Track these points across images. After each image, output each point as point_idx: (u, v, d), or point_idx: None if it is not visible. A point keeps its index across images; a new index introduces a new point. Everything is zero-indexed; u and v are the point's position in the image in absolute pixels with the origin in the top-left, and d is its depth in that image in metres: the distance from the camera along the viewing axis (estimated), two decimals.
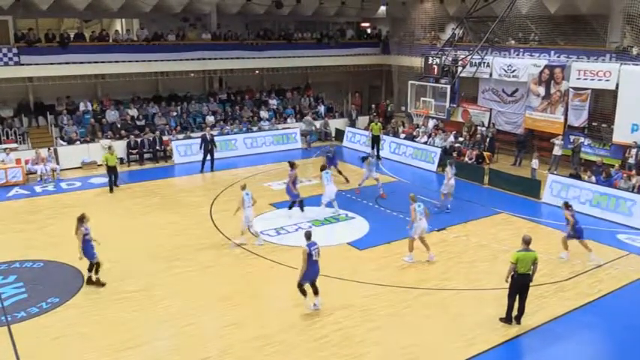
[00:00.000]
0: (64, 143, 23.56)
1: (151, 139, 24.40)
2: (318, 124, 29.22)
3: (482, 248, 14.70)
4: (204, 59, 27.17)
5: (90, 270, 12.40)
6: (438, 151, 23.25)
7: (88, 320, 10.93)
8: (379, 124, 25.35)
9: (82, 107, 25.53)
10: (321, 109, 30.34)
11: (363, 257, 14.14)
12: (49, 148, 22.58)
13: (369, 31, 34.92)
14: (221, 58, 27.66)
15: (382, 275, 12.91)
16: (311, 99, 31.27)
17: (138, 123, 25.69)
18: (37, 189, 20.30)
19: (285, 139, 27.32)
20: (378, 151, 24.32)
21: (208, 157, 22.68)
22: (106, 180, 20.48)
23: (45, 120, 24.91)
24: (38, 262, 13.61)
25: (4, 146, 22.30)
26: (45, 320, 10.94)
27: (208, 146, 22.58)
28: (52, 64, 23.79)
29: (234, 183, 20.60)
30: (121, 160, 23.74)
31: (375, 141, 24.73)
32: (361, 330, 10.62)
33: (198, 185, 21.12)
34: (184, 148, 24.46)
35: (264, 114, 28.71)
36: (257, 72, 30.29)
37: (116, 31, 28.22)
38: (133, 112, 26.21)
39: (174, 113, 27.03)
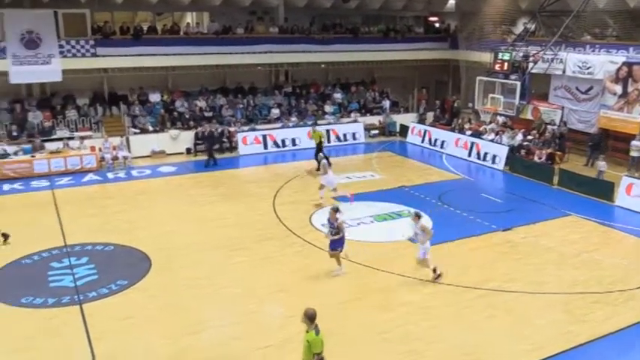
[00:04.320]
0: (136, 132, 24.44)
1: (219, 130, 24.95)
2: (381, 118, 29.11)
3: (549, 251, 14.19)
4: (271, 52, 27.41)
5: None
6: (506, 149, 22.62)
7: (154, 303, 11.29)
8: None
9: (152, 98, 26.37)
10: (386, 103, 30.09)
11: None
12: (121, 137, 23.51)
13: (437, 25, 34.31)
14: (287, 52, 27.82)
15: (444, 273, 12.69)
16: (376, 93, 31.07)
17: (205, 114, 26.30)
18: (110, 175, 21.16)
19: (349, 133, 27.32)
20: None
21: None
22: (173, 169, 21.16)
23: (118, 109, 25.86)
24: (109, 245, 14.18)
25: (79, 134, 23.37)
26: (113, 301, 11.39)
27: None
28: (125, 55, 24.60)
29: (297, 176, 20.78)
30: (188, 150, 24.45)
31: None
32: (421, 327, 10.50)
33: (262, 177, 21.41)
34: (249, 140, 24.88)
35: (328, 108, 28.77)
36: (322, 66, 30.34)
37: (187, 24, 28.95)
38: (202, 103, 26.84)
39: (241, 105, 27.50)
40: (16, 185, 19.87)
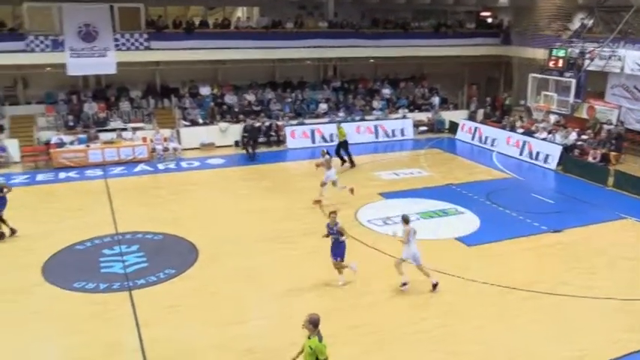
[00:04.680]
0: (186, 124, 24.91)
1: (267, 123, 25.18)
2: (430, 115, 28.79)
3: (601, 254, 13.72)
4: (320, 47, 27.43)
5: None
6: (559, 148, 22.00)
7: (200, 292, 11.51)
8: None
9: (203, 91, 26.83)
10: (435, 100, 29.72)
11: (471, 254, 13.73)
12: (172, 129, 24.02)
13: (489, 20, 33.60)
14: (336, 47, 27.77)
15: (490, 273, 12.46)
16: (425, 90, 30.72)
17: (254, 108, 26.58)
18: (160, 166, 21.67)
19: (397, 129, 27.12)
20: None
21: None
22: (222, 161, 21.51)
23: (169, 102, 26.42)
24: (158, 234, 14.52)
25: (132, 125, 24.02)
26: (161, 289, 11.66)
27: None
28: (177, 49, 25.09)
29: (345, 170, 20.78)
30: (237, 142, 24.78)
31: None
32: (465, 328, 10.34)
33: (309, 171, 21.43)
34: (297, 134, 25.01)
35: (376, 103, 28.62)
36: (371, 61, 30.17)
37: (238, 18, 29.27)
38: (251, 97, 27.14)
39: (289, 99, 27.67)
40: (72, 174, 20.59)
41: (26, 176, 20.51)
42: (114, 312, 10.74)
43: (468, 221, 15.79)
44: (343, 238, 11.78)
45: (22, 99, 25.21)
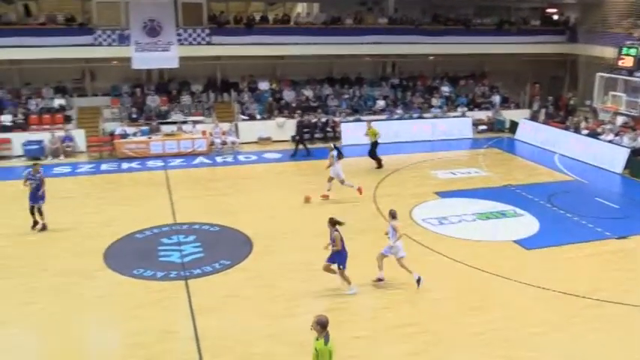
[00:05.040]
0: (245, 118, 25.28)
1: (323, 119, 25.25)
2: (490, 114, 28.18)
3: None
4: (379, 43, 27.27)
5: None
6: (626, 151, 21.08)
7: (254, 284, 11.66)
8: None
9: (261, 86, 27.15)
10: (496, 99, 29.03)
11: (530, 257, 13.35)
12: (230, 123, 24.43)
13: (555, 17, 32.52)
14: (396, 43, 27.54)
15: (549, 278, 12.08)
16: (486, 88, 30.06)
17: (312, 104, 26.69)
18: (218, 159, 22.08)
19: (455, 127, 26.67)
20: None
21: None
22: (278, 156, 21.73)
23: (229, 96, 26.88)
24: (215, 226, 14.80)
25: (192, 118, 24.57)
26: (216, 279, 11.89)
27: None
28: (238, 44, 25.46)
29: (400, 168, 20.63)
30: (293, 138, 24.91)
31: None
32: (519, 333, 10.07)
33: (364, 167, 21.38)
34: (353, 130, 24.95)
35: (435, 101, 28.22)
36: (431, 58, 29.78)
37: (298, 13, 29.44)
38: (308, 92, 27.26)
39: (346, 96, 27.64)
40: (134, 164, 21.27)
41: (91, 165, 21.33)
42: (170, 300, 11.03)
43: (527, 224, 15.36)
44: (334, 248, 11.15)
45: (90, 91, 26.22)
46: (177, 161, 21.75)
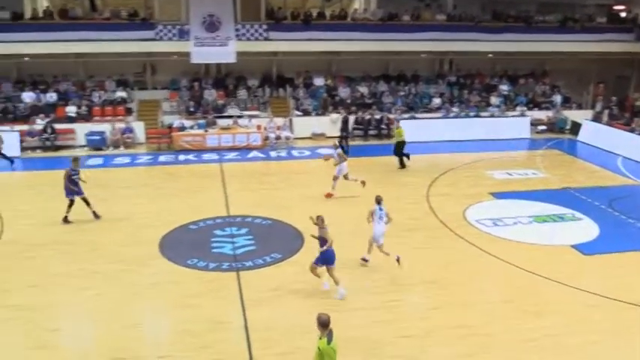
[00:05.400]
0: (299, 114, 25.42)
1: (378, 116, 25.11)
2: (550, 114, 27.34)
3: None
4: (436, 40, 26.87)
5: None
6: None
7: (303, 279, 11.67)
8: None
9: (317, 82, 27.22)
10: (557, 98, 28.14)
11: (588, 263, 12.87)
12: (285, 118, 24.61)
13: (622, 14, 31.19)
14: (454, 40, 27.08)
15: (608, 286, 11.61)
16: (546, 87, 29.18)
17: (366, 100, 26.58)
18: (272, 154, 22.29)
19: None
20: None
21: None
22: (331, 151, 21.60)
23: (284, 91, 27.08)
24: (267, 219, 14.94)
25: (248, 113, 24.90)
26: (267, 272, 12.00)
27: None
28: (294, 40, 25.62)
29: (456, 167, 20.30)
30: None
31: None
32: (575, 340, 9.71)
33: (417, 165, 21.13)
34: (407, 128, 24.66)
35: (494, 100, 27.60)
36: (490, 55, 29.11)
37: (355, 9, 29.34)
38: (363, 89, 27.16)
39: (402, 93, 27.39)
40: (190, 156, 21.73)
41: (150, 157, 21.93)
42: (221, 291, 11.20)
43: (586, 228, 14.81)
44: (325, 247, 10.89)
45: (150, 84, 26.96)
46: (232, 155, 22.09)
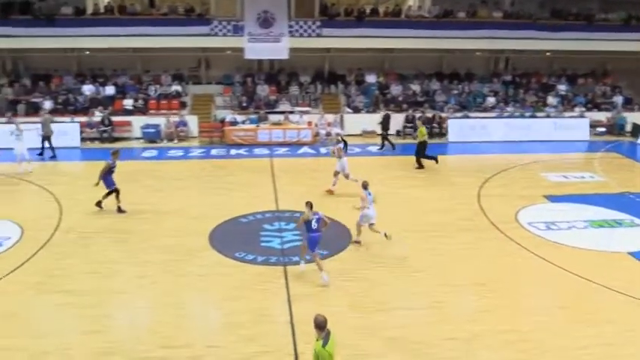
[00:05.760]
0: (350, 111, 25.38)
1: (429, 114, 24.82)
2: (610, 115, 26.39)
3: None
4: (492, 38, 26.31)
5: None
6: None
7: (349, 276, 11.68)
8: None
9: (368, 79, 27.13)
10: (618, 99, 27.12)
11: None
12: (335, 114, 24.62)
13: None
14: (511, 38, 26.43)
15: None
16: (607, 88, 28.17)
17: (419, 98, 26.31)
18: (322, 150, 22.35)
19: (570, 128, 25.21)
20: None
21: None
22: (381, 150, 21.68)
23: (336, 88, 27.09)
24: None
25: (299, 109, 25.05)
26: (314, 268, 11.96)
27: None
28: (347, 37, 25.57)
29: (509, 168, 19.87)
30: (398, 132, 24.76)
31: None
32: (629, 351, 9.34)
33: (469, 165, 20.81)
34: (460, 127, 24.34)
35: (551, 100, 26.83)
36: (548, 54, 28.32)
37: (409, 6, 29.06)
38: (416, 87, 26.89)
39: (455, 91, 26.97)
40: (242, 151, 22.07)
41: (202, 150, 22.36)
42: (268, 284, 11.30)
43: None
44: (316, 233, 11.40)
45: (204, 79, 27.46)
46: (283, 150, 22.28)
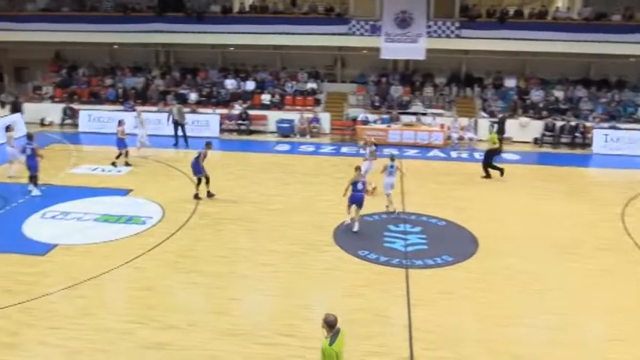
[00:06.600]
0: (486, 115, 24.51)
1: (573, 123, 23.31)
2: None
3: None
4: None
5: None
6: None
7: (473, 285, 11.29)
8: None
9: (507, 83, 26.03)
10: None
11: None
12: (470, 118, 23.90)
13: None
14: None
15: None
16: None
17: (561, 105, 24.80)
18: (453, 154, 21.84)
19: None
20: None
21: None
22: (517, 157, 20.76)
23: (472, 91, 26.29)
24: (442, 220, 14.67)
25: (432, 111, 24.64)
26: (436, 274, 11.78)
27: None
28: (488, 38, 24.70)
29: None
30: (536, 140, 23.56)
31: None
32: None
33: (614, 180, 19.26)
34: (606, 138, 22.58)
35: None
36: None
37: (556, 8, 27.45)
38: (559, 93, 25.39)
39: (603, 100, 25.07)
40: None
41: (333, 147, 22.75)
42: (389, 285, 11.24)
43: None
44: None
45: (339, 77, 27.89)
46: (412, 151, 22.04)
